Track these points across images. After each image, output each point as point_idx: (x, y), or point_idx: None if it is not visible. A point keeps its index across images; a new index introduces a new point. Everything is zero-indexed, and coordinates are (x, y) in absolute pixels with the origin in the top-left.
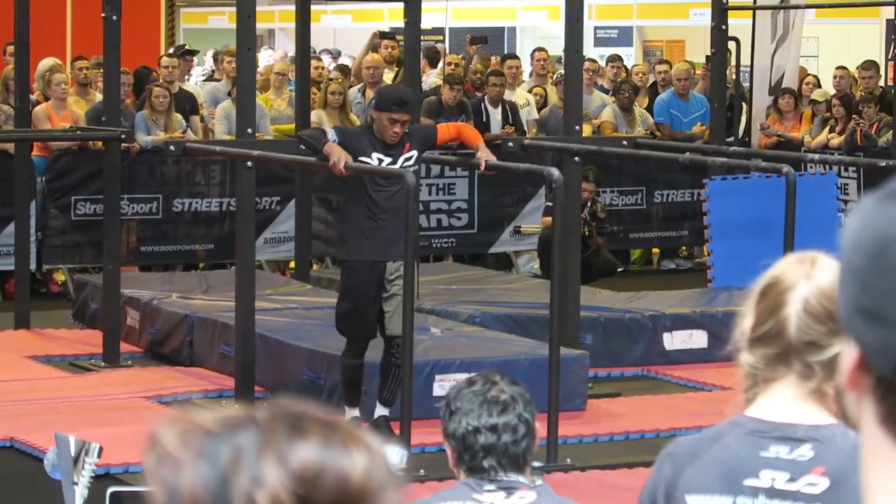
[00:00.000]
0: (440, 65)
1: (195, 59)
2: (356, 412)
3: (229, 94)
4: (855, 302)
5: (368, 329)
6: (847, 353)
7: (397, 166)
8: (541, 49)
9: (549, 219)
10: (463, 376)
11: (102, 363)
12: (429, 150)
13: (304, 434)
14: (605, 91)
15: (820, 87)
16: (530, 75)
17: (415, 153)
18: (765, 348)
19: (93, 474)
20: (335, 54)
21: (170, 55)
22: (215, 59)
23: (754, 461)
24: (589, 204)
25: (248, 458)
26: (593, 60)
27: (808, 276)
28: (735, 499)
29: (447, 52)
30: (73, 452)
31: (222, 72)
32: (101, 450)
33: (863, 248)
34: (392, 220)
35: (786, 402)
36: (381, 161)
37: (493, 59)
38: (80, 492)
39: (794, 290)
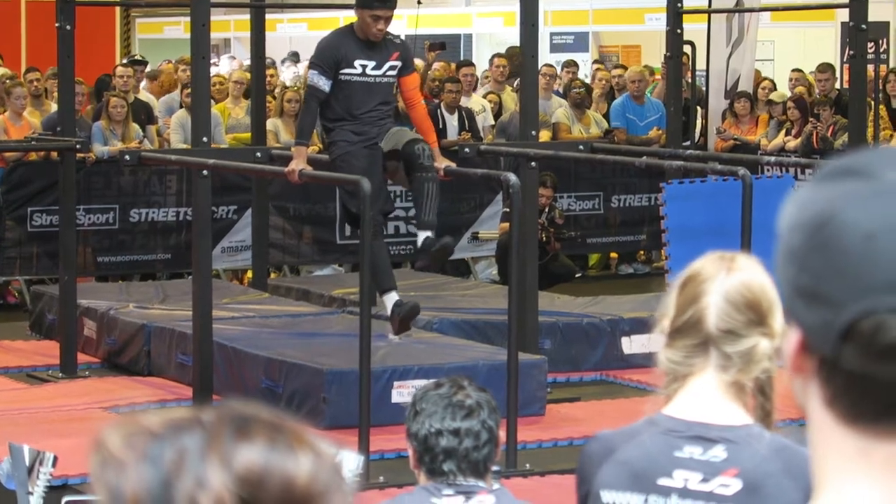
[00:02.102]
0: None
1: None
2: (395, 296)
3: (182, 104)
4: (794, 283)
5: (383, 196)
6: (789, 337)
7: (381, 71)
8: (500, 55)
9: (507, 224)
10: (421, 383)
11: (60, 374)
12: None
13: (249, 436)
14: (563, 96)
15: (776, 90)
16: (485, 79)
17: (399, 65)
18: (684, 339)
19: (48, 484)
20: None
21: (124, 65)
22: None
23: (668, 461)
24: (547, 209)
25: (192, 460)
26: (550, 66)
27: (729, 269)
28: (647, 497)
29: None
30: (27, 462)
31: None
32: (55, 459)
33: (800, 228)
34: (378, 130)
35: (703, 398)
36: (364, 67)
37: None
38: (35, 501)
39: (713, 281)
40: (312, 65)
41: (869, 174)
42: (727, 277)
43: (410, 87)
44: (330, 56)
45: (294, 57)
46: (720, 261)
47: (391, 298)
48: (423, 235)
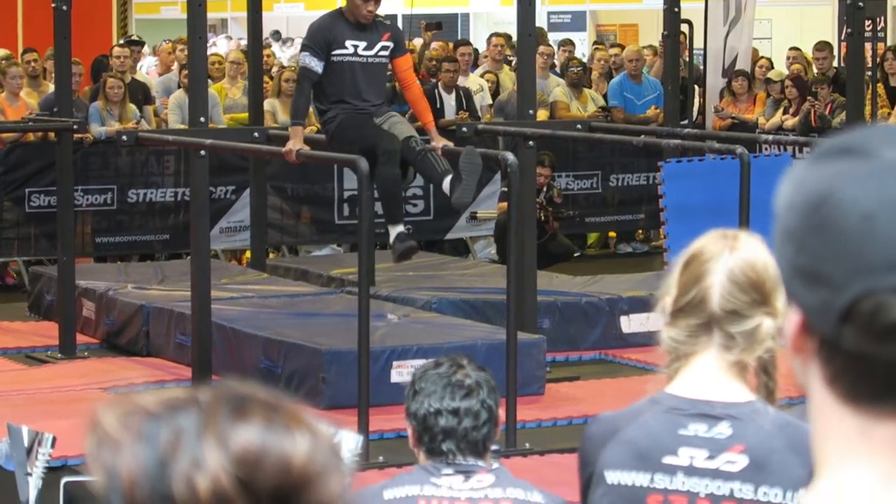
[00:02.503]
0: None
1: (145, 48)
2: (401, 227)
3: (179, 84)
4: (792, 264)
5: (387, 137)
6: (789, 317)
7: (373, 52)
8: (497, 34)
9: (505, 204)
10: (420, 362)
11: (59, 355)
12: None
13: (246, 416)
14: (561, 75)
15: (773, 68)
16: (483, 58)
17: (391, 45)
18: (687, 319)
19: (47, 465)
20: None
21: (121, 45)
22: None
23: (672, 439)
24: (545, 189)
25: (188, 440)
26: (548, 45)
27: (732, 248)
28: (653, 476)
29: None
30: (26, 443)
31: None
32: (54, 440)
33: (797, 208)
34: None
35: (706, 377)
36: (356, 48)
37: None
38: (34, 482)
39: (717, 260)
40: (304, 46)
41: (866, 152)
42: (730, 257)
43: (404, 67)
44: (321, 37)
45: (276, 35)
46: (723, 239)
47: (395, 230)
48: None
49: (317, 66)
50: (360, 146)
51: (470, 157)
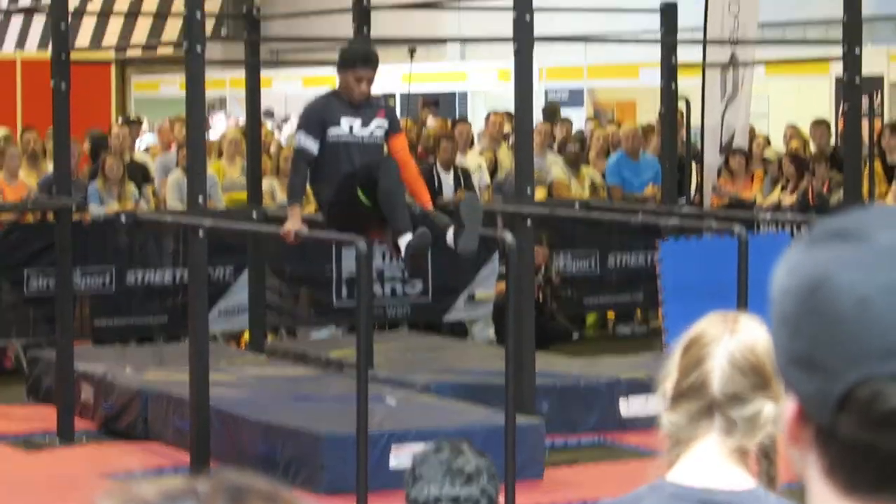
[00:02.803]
0: None
1: (144, 125)
2: (410, 235)
3: (178, 163)
4: (788, 350)
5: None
6: (786, 406)
7: (369, 130)
8: (496, 113)
9: (504, 285)
10: (420, 446)
11: (57, 440)
12: None
13: None
14: (559, 153)
15: (770, 145)
16: (481, 136)
17: (387, 123)
18: (688, 403)
19: None
20: (278, 121)
21: (120, 124)
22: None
23: None
24: (543, 269)
25: None
26: (546, 123)
27: (732, 332)
28: None
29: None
30: None
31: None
32: None
33: (792, 293)
34: None
35: (707, 463)
36: (351, 127)
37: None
38: None
39: (717, 343)
40: (299, 127)
41: (860, 236)
42: (731, 340)
43: (399, 147)
44: (316, 117)
45: (267, 114)
46: (723, 322)
47: (405, 239)
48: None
49: (312, 146)
50: (358, 182)
51: (470, 204)
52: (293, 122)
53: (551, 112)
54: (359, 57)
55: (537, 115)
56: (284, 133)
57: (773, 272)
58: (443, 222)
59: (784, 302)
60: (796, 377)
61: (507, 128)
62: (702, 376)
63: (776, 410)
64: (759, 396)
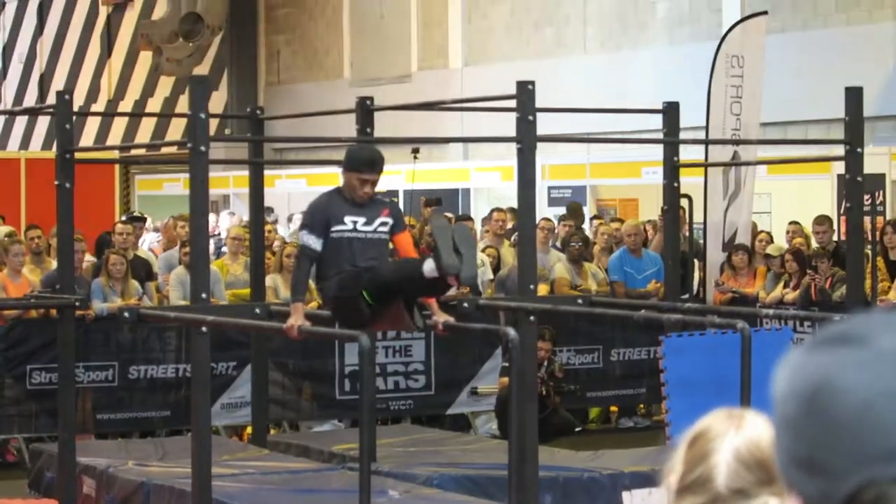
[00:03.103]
0: None
1: (147, 224)
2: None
3: (181, 260)
4: (790, 453)
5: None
6: None
7: (373, 227)
8: (499, 210)
9: (507, 379)
10: None
11: None
12: None
13: None
14: (562, 250)
15: (773, 242)
16: (484, 233)
17: (391, 222)
18: (692, 498)
19: None
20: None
21: (123, 222)
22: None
23: None
24: (546, 363)
25: None
26: (548, 219)
27: (738, 427)
28: None
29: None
30: None
31: (170, 239)
32: None
33: (794, 397)
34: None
35: None
36: (355, 223)
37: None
38: None
39: (723, 438)
40: (303, 226)
41: (861, 341)
42: (736, 435)
43: (404, 244)
44: (320, 216)
45: (268, 212)
46: (729, 418)
47: (429, 267)
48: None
49: (315, 243)
50: (363, 284)
51: (436, 222)
52: (297, 219)
53: (574, 210)
54: (365, 160)
55: (540, 212)
56: (290, 230)
57: (774, 375)
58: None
59: (786, 405)
60: (799, 479)
61: (510, 224)
62: (707, 471)
63: None
64: (764, 492)
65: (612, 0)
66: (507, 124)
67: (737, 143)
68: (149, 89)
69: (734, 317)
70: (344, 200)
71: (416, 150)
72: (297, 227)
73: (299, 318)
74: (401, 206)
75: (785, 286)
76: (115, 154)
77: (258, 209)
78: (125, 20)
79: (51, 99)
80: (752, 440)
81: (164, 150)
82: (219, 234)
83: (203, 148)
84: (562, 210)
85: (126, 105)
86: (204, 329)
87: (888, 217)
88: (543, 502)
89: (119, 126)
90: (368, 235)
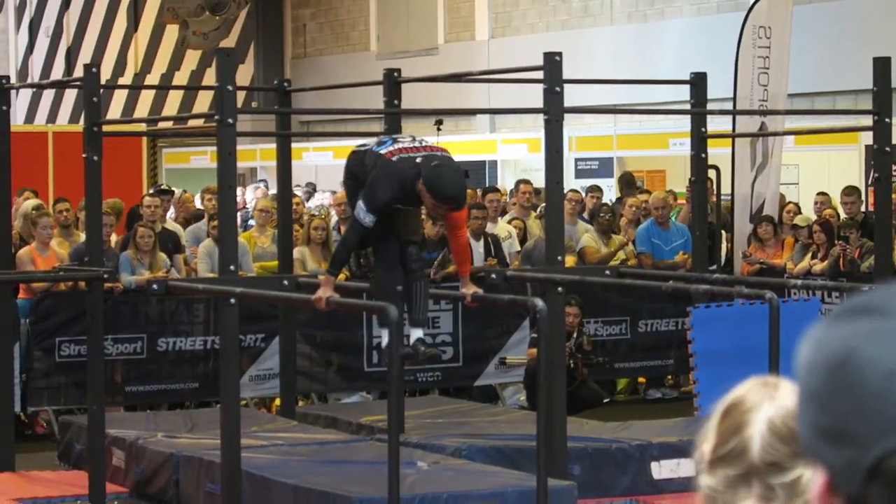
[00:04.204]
0: None
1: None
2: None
3: (209, 233)
4: (815, 425)
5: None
6: (814, 478)
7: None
8: (525, 181)
9: (535, 350)
10: None
11: None
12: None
13: None
14: (589, 222)
15: (800, 213)
16: (511, 205)
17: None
18: (726, 469)
19: None
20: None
21: (151, 195)
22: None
23: None
24: (574, 335)
25: None
26: (576, 191)
27: (772, 398)
28: None
29: None
30: None
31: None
32: None
33: (818, 369)
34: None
35: None
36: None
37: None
38: None
39: (757, 410)
40: (367, 202)
41: (885, 311)
42: (771, 406)
43: (458, 221)
44: (384, 202)
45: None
46: (763, 388)
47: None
48: (415, 334)
49: (370, 221)
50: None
51: (413, 279)
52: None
53: (627, 181)
54: (449, 197)
55: (567, 184)
56: (314, 202)
57: (798, 348)
58: (416, 319)
59: (810, 377)
60: (824, 450)
61: (535, 200)
62: (741, 443)
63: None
64: (798, 464)
65: None
66: (533, 96)
67: (764, 113)
68: (175, 63)
69: (762, 287)
70: (410, 193)
71: (439, 122)
72: (361, 199)
73: (328, 290)
74: None
75: (813, 257)
76: (143, 127)
77: (286, 182)
78: None
79: (78, 72)
80: (788, 411)
81: (192, 123)
82: (246, 208)
83: (230, 120)
84: (589, 182)
85: (153, 79)
86: (232, 301)
87: None
88: (572, 472)
89: (146, 100)
90: (412, 209)
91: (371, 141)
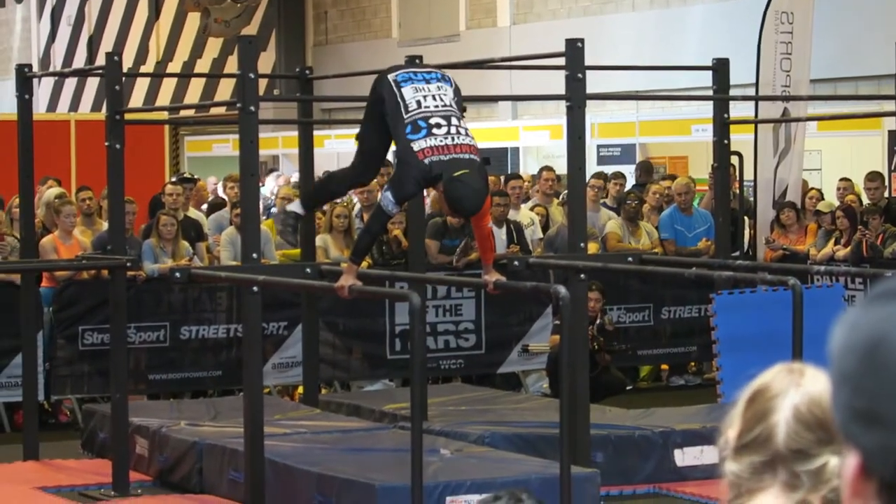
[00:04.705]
0: None
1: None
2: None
3: (231, 221)
4: (850, 407)
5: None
6: (847, 461)
7: None
8: (548, 168)
9: (557, 337)
10: (474, 497)
11: (112, 493)
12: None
13: None
14: (612, 209)
15: (823, 199)
16: (534, 192)
17: None
18: (751, 456)
19: None
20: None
21: (173, 183)
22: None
23: None
24: (597, 319)
25: None
26: (599, 177)
27: (798, 384)
28: None
29: None
30: None
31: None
32: None
33: (853, 351)
34: None
35: None
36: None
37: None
38: None
39: (783, 396)
40: (395, 192)
41: None
42: (796, 393)
43: (484, 207)
44: (410, 195)
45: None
46: (789, 374)
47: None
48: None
49: (395, 210)
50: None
51: None
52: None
53: (646, 168)
54: (462, 212)
55: (590, 170)
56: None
57: (831, 332)
58: None
59: (844, 360)
60: (858, 433)
61: (558, 187)
62: (767, 430)
63: (842, 464)
64: (824, 451)
65: None
66: (555, 82)
67: (787, 99)
68: (197, 51)
69: (785, 274)
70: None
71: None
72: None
73: (351, 278)
74: None
75: (836, 243)
76: (165, 115)
77: (308, 169)
78: None
79: (100, 61)
80: (813, 398)
81: (214, 111)
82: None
83: (253, 108)
84: (612, 168)
85: (174, 67)
86: (255, 289)
87: None
88: (595, 460)
89: (167, 89)
90: None
91: (402, 76)
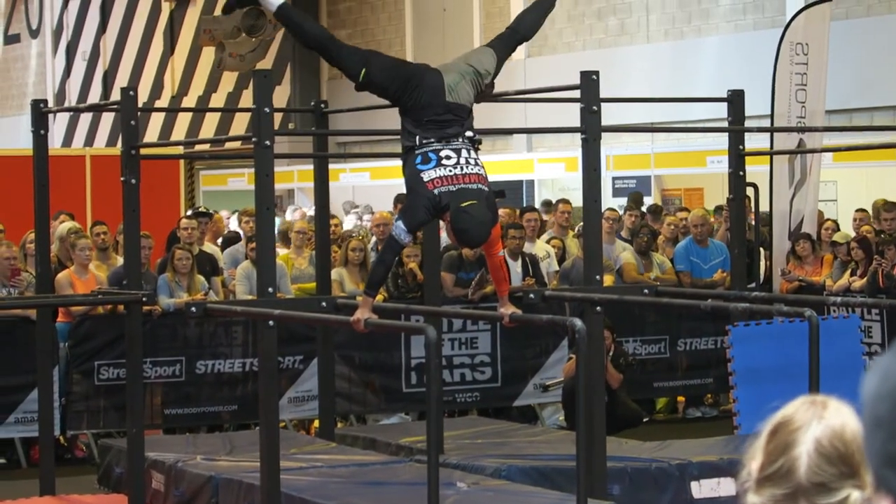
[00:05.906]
0: None
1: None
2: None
3: (247, 255)
4: (883, 451)
5: None
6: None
7: None
8: (565, 201)
9: (572, 363)
10: None
11: None
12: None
13: None
14: (627, 241)
15: (839, 230)
16: (550, 225)
17: None
18: (773, 488)
19: None
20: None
21: (188, 217)
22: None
23: None
24: (610, 354)
25: None
26: (614, 210)
27: (820, 417)
28: None
29: None
30: None
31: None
32: None
33: (886, 398)
34: None
35: None
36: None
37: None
38: None
39: (805, 430)
40: (406, 221)
41: None
42: (818, 426)
43: (492, 238)
44: (421, 223)
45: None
46: (812, 407)
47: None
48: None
49: (408, 240)
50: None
51: None
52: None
53: (636, 200)
54: (466, 243)
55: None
56: (348, 223)
57: (865, 378)
58: None
59: (878, 406)
60: (892, 477)
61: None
62: (788, 463)
63: (862, 498)
64: (846, 485)
65: None
66: (570, 115)
67: (802, 130)
68: (212, 85)
69: (801, 305)
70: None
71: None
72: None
73: (366, 311)
74: None
75: (851, 274)
76: (180, 150)
77: (323, 203)
78: (187, 16)
79: (115, 96)
80: (835, 431)
81: (229, 145)
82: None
83: (268, 142)
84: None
85: (189, 101)
86: (271, 323)
87: None
88: (612, 492)
89: (182, 123)
90: None
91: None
